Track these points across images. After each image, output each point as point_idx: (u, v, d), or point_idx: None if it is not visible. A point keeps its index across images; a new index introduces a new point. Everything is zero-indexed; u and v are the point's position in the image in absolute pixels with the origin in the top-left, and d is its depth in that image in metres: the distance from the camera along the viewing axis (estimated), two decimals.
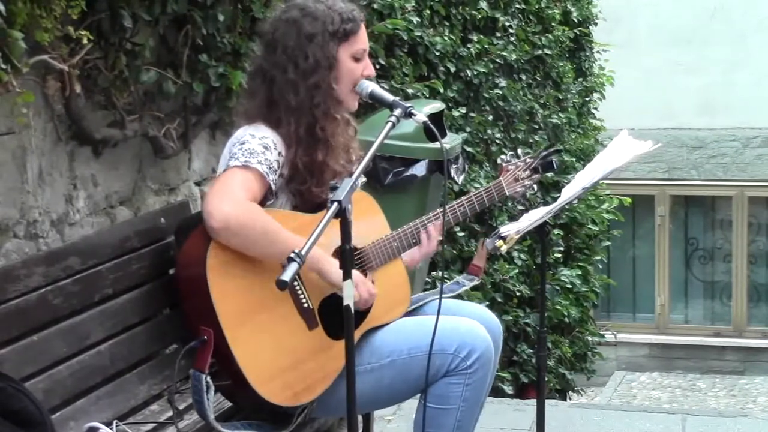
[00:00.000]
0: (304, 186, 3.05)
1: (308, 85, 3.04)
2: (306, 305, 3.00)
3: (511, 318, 6.86)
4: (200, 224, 2.92)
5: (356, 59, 3.10)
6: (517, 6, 7.75)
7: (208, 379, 2.84)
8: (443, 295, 3.13)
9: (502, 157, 3.47)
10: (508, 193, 3.40)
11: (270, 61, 3.09)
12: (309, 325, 3.00)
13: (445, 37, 6.36)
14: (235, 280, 2.90)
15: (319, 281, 3.01)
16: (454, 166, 4.95)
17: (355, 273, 2.94)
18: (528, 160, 3.44)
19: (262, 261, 2.91)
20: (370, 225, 3.23)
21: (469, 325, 3.11)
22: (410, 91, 5.72)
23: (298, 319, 2.98)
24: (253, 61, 3.24)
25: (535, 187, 3.47)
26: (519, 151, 3.50)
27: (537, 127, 8.12)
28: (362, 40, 3.12)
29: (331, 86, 3.05)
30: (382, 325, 3.17)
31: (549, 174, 3.54)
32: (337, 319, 2.96)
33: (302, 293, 3.00)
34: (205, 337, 2.85)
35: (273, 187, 2.97)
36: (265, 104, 3.07)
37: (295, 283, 2.95)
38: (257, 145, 2.96)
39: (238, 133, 3.04)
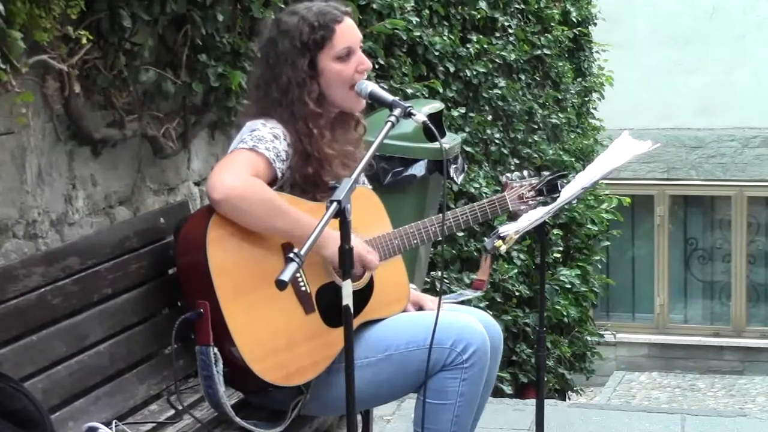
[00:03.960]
0: (306, 195, 3.09)
1: (287, 103, 3.09)
2: (304, 289, 3.03)
3: (510, 318, 6.86)
4: (199, 209, 2.96)
5: (342, 60, 3.11)
6: (517, 6, 7.76)
7: (216, 350, 2.89)
8: (444, 301, 3.15)
9: (508, 174, 3.49)
10: (511, 209, 3.41)
11: (260, 78, 3.16)
12: (306, 308, 3.03)
13: (445, 37, 6.36)
14: (234, 256, 2.93)
15: (318, 267, 3.04)
16: (453, 166, 4.95)
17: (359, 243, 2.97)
18: (533, 181, 3.45)
19: (261, 239, 2.95)
20: (373, 221, 3.24)
21: (465, 320, 3.13)
22: (409, 91, 5.73)
23: (295, 301, 3.01)
24: (252, 71, 3.28)
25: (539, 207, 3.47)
26: (525, 172, 3.51)
27: (536, 127, 8.12)
28: (343, 40, 3.11)
29: (306, 102, 3.08)
30: (379, 320, 3.18)
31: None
32: (333, 307, 3.01)
33: (301, 277, 3.02)
34: (201, 310, 2.88)
35: (279, 174, 3.00)
36: (266, 114, 3.12)
37: None
38: (267, 133, 3.01)
39: (249, 123, 3.09)
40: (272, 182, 3.00)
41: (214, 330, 2.89)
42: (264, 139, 2.99)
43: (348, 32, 3.13)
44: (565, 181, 3.42)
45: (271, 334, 2.97)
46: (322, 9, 3.12)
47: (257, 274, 2.94)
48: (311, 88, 3.09)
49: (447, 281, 5.92)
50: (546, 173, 3.55)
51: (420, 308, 3.35)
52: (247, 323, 2.93)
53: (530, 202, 3.43)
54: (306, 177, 3.08)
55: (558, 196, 3.34)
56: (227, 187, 2.85)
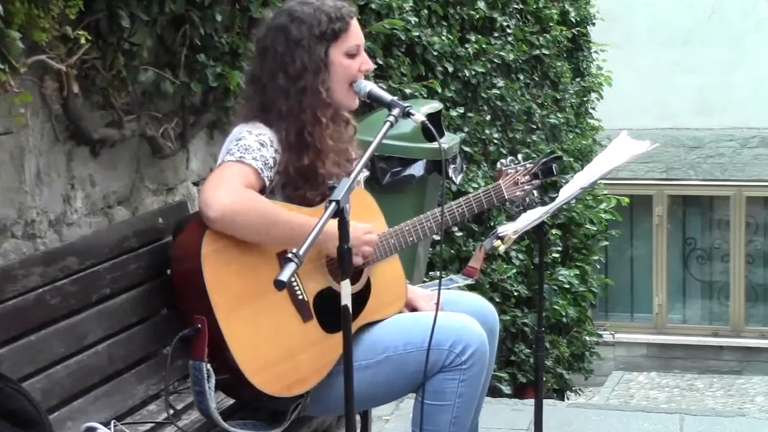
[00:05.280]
0: (298, 192, 3.07)
1: (297, 90, 3.05)
2: (301, 297, 3.02)
3: (509, 318, 6.85)
4: (194, 217, 2.94)
5: (350, 56, 3.11)
6: (515, 6, 7.76)
7: (209, 367, 2.87)
8: (434, 288, 3.14)
9: (502, 161, 3.47)
10: (507, 196, 3.40)
11: (262, 68, 3.11)
12: (303, 317, 3.02)
13: (443, 37, 6.36)
14: (229, 269, 2.91)
15: (314, 274, 3.04)
16: (451, 166, 4.96)
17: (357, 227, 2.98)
18: (528, 165, 3.45)
19: (256, 250, 2.94)
20: (368, 221, 3.22)
21: (464, 320, 3.13)
22: (408, 91, 5.72)
23: (292, 310, 3.00)
24: (247, 68, 3.26)
25: (536, 192, 3.47)
26: (519, 156, 3.51)
27: (535, 127, 8.12)
28: (354, 36, 3.12)
29: (319, 90, 3.06)
30: (377, 322, 3.17)
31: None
32: (331, 312, 3.00)
33: (297, 285, 3.01)
34: (199, 326, 2.87)
35: (267, 183, 2.98)
36: (259, 109, 3.10)
37: None
38: (253, 142, 2.98)
39: (235, 131, 3.07)
40: (261, 191, 2.98)
41: (213, 343, 2.87)
42: (250, 148, 2.96)
43: (358, 30, 3.15)
44: (566, 178, 3.41)
45: (270, 346, 2.95)
46: (335, 3, 3.12)
47: (253, 286, 2.93)
48: (324, 77, 3.07)
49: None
50: (540, 156, 3.53)
51: (413, 309, 3.33)
52: (246, 336, 2.91)
53: (525, 187, 3.42)
54: (300, 170, 3.05)
55: (554, 182, 3.34)
56: (222, 204, 2.82)
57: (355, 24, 3.13)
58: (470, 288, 5.59)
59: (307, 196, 3.07)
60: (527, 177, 3.42)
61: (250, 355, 2.92)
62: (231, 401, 3.18)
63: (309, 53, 3.05)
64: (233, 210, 2.83)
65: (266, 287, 2.79)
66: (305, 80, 3.05)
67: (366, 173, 3.41)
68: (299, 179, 3.07)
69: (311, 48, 3.05)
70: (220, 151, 3.07)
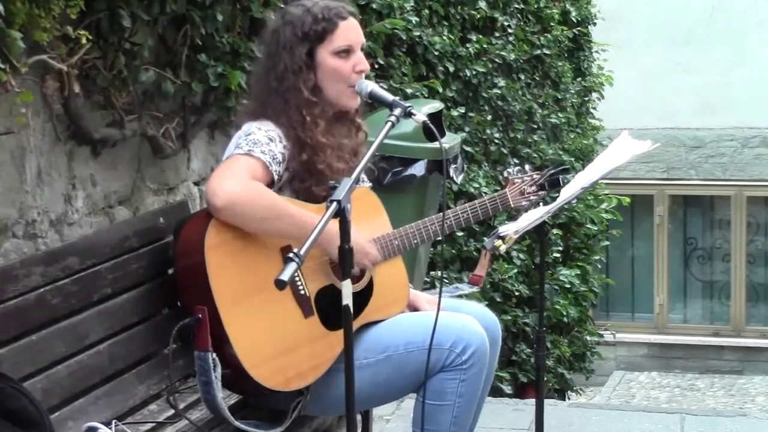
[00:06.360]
0: (304, 184, 3.10)
1: (283, 90, 3.11)
2: (303, 292, 3.03)
3: (510, 318, 6.86)
4: (199, 212, 2.95)
5: (339, 56, 3.12)
6: (516, 6, 7.77)
7: (215, 356, 2.88)
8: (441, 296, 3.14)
9: (509, 170, 3.49)
10: (512, 205, 3.42)
11: (261, 68, 3.20)
12: (304, 312, 3.03)
13: (444, 37, 6.37)
14: (232, 261, 2.92)
15: (317, 271, 3.04)
16: (452, 166, 4.96)
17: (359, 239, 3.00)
18: (535, 176, 3.46)
19: (260, 243, 2.95)
20: (373, 221, 3.25)
21: (464, 320, 3.13)
22: (409, 90, 5.73)
23: (294, 305, 3.01)
24: (253, 68, 3.30)
25: (541, 203, 3.48)
26: (527, 166, 3.52)
27: (536, 126, 8.12)
28: (343, 37, 3.13)
29: (300, 89, 3.10)
30: (378, 321, 3.18)
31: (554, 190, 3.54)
32: (332, 309, 3.02)
33: (300, 281, 3.02)
34: (200, 315, 2.87)
35: (276, 177, 3.01)
36: (261, 107, 3.14)
37: None
38: (262, 137, 3.02)
39: (244, 127, 3.10)
40: (269, 185, 3.00)
41: (213, 335, 2.89)
42: (259, 142, 3.00)
43: (351, 31, 3.15)
44: (567, 177, 3.41)
45: (270, 339, 2.96)
46: (329, 4, 3.15)
47: (256, 279, 2.94)
48: (307, 76, 3.11)
49: (446, 281, 5.92)
50: (548, 167, 3.55)
51: (415, 309, 3.34)
52: (246, 328, 2.93)
53: (531, 198, 3.44)
54: (301, 164, 3.09)
55: (559, 191, 3.35)
56: (228, 193, 2.86)
57: (346, 25, 3.13)
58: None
59: (312, 190, 3.09)
60: (534, 187, 3.44)
61: (250, 348, 2.93)
62: (232, 401, 3.18)
63: (290, 54, 3.11)
64: (238, 199, 2.86)
65: (268, 281, 2.78)
66: (288, 81, 3.11)
67: (369, 184, 3.41)
68: (304, 173, 3.10)
69: (293, 49, 3.10)
70: (228, 147, 3.09)
